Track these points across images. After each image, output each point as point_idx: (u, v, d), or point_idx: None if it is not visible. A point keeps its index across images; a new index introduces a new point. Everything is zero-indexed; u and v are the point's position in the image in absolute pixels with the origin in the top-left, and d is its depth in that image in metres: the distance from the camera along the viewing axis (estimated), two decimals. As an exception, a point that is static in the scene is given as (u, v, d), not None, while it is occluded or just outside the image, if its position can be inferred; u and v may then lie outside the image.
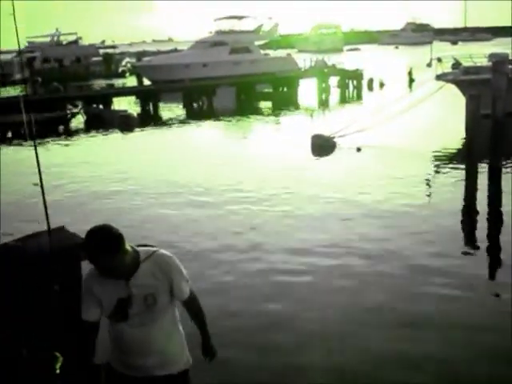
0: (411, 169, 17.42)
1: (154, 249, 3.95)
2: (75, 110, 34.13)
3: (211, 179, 17.06)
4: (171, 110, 37.35)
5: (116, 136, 27.57)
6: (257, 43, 55.49)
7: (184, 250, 10.83)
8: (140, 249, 3.91)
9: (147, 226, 12.78)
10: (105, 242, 3.64)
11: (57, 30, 75.94)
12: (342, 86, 43.53)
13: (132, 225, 12.38)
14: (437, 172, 17.66)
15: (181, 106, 37.97)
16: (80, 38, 76.05)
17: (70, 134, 29.50)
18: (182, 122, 32.64)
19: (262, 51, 55.46)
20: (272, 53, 57.70)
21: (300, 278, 9.82)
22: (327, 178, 16.74)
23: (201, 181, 16.90)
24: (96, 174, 18.61)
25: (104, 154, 23.17)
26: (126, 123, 29.31)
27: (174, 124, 31.64)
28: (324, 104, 37.90)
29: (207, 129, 29.88)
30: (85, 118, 33.47)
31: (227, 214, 13.69)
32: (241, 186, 16.11)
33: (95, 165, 20.34)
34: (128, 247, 3.78)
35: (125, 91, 41.42)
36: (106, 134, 27.95)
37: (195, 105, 38.43)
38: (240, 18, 57.44)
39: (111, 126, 29.20)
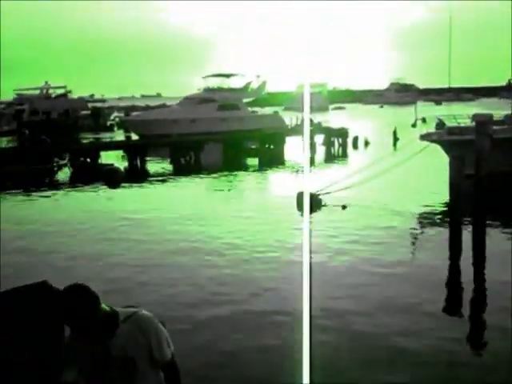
0: (396, 228, 17.50)
1: (135, 309, 3.86)
2: (62, 163, 34.15)
3: (196, 236, 17.02)
4: (158, 164, 37.49)
5: (101, 191, 27.51)
6: (245, 100, 56.28)
7: (166, 310, 10.70)
8: (120, 309, 3.83)
9: (128, 284, 12.65)
10: (78, 300, 3.59)
11: (46, 82, 76.72)
12: (328, 144, 44.02)
13: (112, 283, 12.26)
14: (422, 232, 17.75)
15: (168, 161, 38.14)
16: (69, 92, 76.80)
17: (55, 186, 29.44)
18: (169, 177, 32.72)
19: (250, 108, 56.21)
20: (260, 110, 58.48)
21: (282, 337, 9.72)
22: (312, 236, 16.75)
23: (186, 237, 16.85)
24: (79, 228, 18.52)
25: (88, 209, 23.06)
26: (112, 177, 29.33)
27: (160, 179, 31.69)
28: (310, 161, 38.23)
29: (194, 184, 29.93)
30: (71, 170, 33.48)
31: (208, 270, 13.62)
32: (222, 242, 16.07)
33: (79, 220, 20.24)
34: (105, 307, 3.71)
35: (112, 145, 41.61)
36: (91, 188, 27.91)
37: (182, 160, 38.61)
38: (228, 75, 58.41)
39: (97, 180, 29.19)
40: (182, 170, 35.53)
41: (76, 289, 3.65)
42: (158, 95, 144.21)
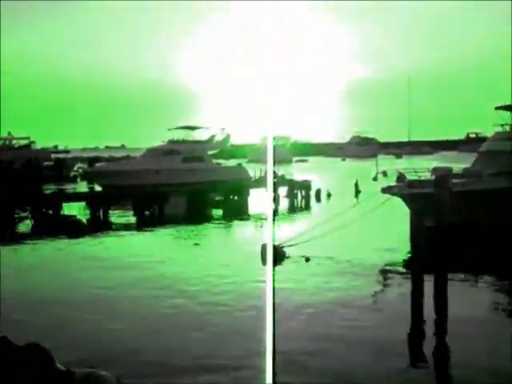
0: (358, 279, 17.66)
1: (92, 370, 3.77)
2: (23, 214, 33.70)
3: (160, 284, 16.90)
4: (122, 216, 37.26)
5: (62, 242, 27.14)
6: (209, 152, 56.63)
7: (123, 369, 10.52)
8: (76, 370, 3.73)
9: (85, 342, 12.44)
10: (32, 359, 3.55)
11: (9, 133, 76.18)
12: (291, 196, 44.42)
13: (68, 341, 12.04)
14: (384, 284, 17.94)
15: (132, 213, 37.93)
16: (33, 142, 76.31)
17: (16, 238, 28.97)
18: (132, 228, 32.51)
19: (215, 160, 56.54)
20: (224, 162, 58.84)
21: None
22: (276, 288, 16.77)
23: (147, 287, 16.72)
24: (39, 281, 18.24)
25: (48, 263, 22.71)
26: (74, 229, 29.03)
27: (124, 231, 31.47)
28: (274, 213, 38.48)
29: (157, 236, 29.80)
30: (33, 222, 33.05)
31: (165, 324, 13.51)
32: (184, 295, 16.00)
33: (36, 272, 19.93)
34: (60, 367, 3.65)
35: (75, 196, 41.27)
36: (53, 240, 27.53)
37: (146, 212, 38.46)
38: (193, 128, 58.82)
39: (59, 232, 28.83)
40: (146, 221, 35.34)
41: (31, 348, 3.62)
42: (122, 146, 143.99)
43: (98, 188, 50.03)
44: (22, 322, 13.26)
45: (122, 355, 11.34)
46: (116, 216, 37.31)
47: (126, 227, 32.81)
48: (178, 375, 10.44)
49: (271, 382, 4.30)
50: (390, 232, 26.37)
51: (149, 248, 25.83)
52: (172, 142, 56.77)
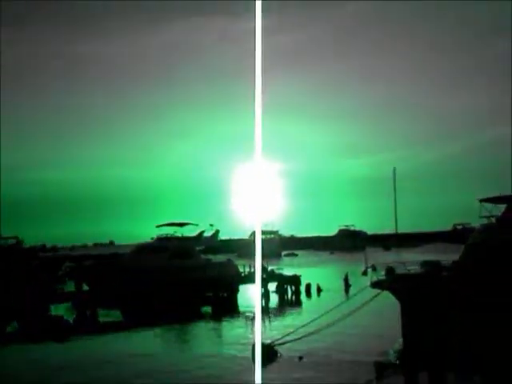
0: (353, 377, 17.34)
1: None
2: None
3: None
4: (109, 315, 36.68)
5: (49, 345, 26.48)
6: (198, 248, 56.60)
7: None
8: None
9: None
10: None
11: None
12: (281, 291, 44.09)
13: None
14: (378, 379, 17.62)
15: (119, 312, 37.41)
16: (21, 242, 75.94)
17: (1, 341, 28.32)
18: (120, 329, 31.92)
19: (204, 256, 56.40)
20: (213, 257, 58.69)
21: None
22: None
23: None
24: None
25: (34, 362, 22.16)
26: (60, 331, 28.47)
27: (111, 331, 30.88)
28: (264, 309, 38.10)
29: (145, 338, 29.15)
30: (19, 323, 32.40)
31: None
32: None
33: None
34: None
35: (62, 297, 40.65)
36: (39, 343, 26.85)
37: (133, 310, 37.92)
38: (181, 224, 59.01)
39: (46, 334, 28.20)
40: (134, 320, 34.78)
41: None
42: (111, 243, 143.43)
43: (85, 287, 49.46)
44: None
45: None
46: (104, 315, 36.74)
47: (114, 327, 32.27)
48: None
49: None
50: (382, 327, 26.11)
51: (136, 351, 25.25)
52: (160, 238, 56.76)
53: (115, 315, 36.77)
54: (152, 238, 58.62)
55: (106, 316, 36.60)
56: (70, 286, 54.37)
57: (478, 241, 30.28)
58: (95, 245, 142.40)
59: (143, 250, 55.46)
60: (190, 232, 60.22)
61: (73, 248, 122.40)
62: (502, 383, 17.08)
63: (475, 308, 24.00)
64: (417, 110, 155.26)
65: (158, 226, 59.16)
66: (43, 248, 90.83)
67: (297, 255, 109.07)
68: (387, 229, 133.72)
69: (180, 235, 58.86)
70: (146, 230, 62.65)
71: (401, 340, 21.49)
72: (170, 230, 58.96)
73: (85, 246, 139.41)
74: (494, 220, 32.08)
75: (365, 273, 28.38)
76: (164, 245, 55.46)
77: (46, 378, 19.21)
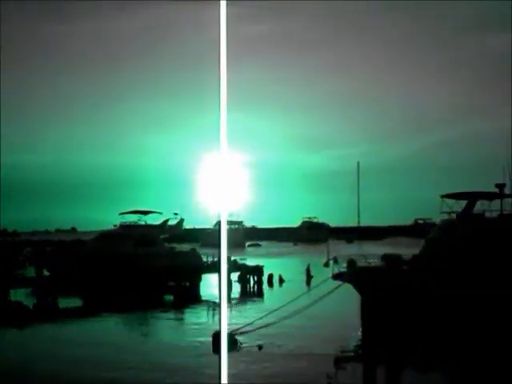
0: (309, 368, 17.52)
1: None
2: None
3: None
4: (70, 302, 36.35)
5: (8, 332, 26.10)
6: (162, 236, 56.32)
7: None
8: None
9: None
10: None
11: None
12: (243, 281, 44.24)
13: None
14: (336, 372, 17.84)
15: (80, 298, 37.12)
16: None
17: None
18: (81, 315, 31.67)
19: (168, 244, 56.17)
20: (177, 246, 58.48)
21: None
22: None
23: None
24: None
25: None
26: (19, 318, 28.12)
27: (71, 318, 30.63)
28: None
29: (106, 324, 29.06)
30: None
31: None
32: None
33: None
34: None
35: (22, 282, 40.17)
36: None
37: (95, 297, 37.67)
38: (145, 212, 58.65)
39: (4, 320, 27.81)
40: (95, 308, 34.55)
41: None
42: (73, 230, 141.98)
43: (46, 273, 48.90)
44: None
45: None
46: (64, 302, 36.37)
47: (74, 314, 32.01)
48: None
49: None
50: (341, 318, 26.42)
51: (94, 339, 25.07)
52: (124, 225, 56.36)
53: (76, 302, 36.46)
54: (115, 226, 58.16)
55: (67, 303, 36.25)
56: (31, 272, 53.73)
57: (439, 236, 30.85)
58: (57, 231, 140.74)
59: (106, 236, 55.00)
60: (154, 220, 59.90)
61: (34, 233, 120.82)
62: (461, 378, 17.46)
63: (434, 301, 24.48)
64: (384, 104, 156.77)
65: (121, 214, 58.69)
66: (4, 232, 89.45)
67: (260, 246, 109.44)
68: (350, 222, 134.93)
69: (144, 223, 58.52)
70: (109, 218, 62.13)
71: (360, 332, 21.80)
72: (133, 218, 58.56)
73: (47, 232, 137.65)
74: (454, 216, 32.68)
75: (326, 264, 28.57)
76: (128, 232, 55.08)
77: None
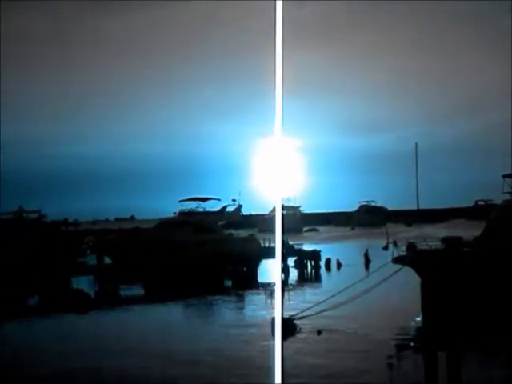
0: (371, 353, 17.31)
1: None
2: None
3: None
4: (131, 289, 36.95)
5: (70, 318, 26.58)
6: (220, 223, 56.70)
7: None
8: None
9: None
10: None
11: (20, 207, 76.45)
12: (301, 266, 44.11)
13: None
14: (398, 358, 17.57)
15: (141, 286, 37.68)
16: (43, 216, 76.49)
17: (24, 314, 28.63)
18: (142, 302, 32.13)
19: (226, 231, 56.50)
20: (234, 233, 58.78)
21: None
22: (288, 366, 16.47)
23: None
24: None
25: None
26: (81, 304, 28.74)
27: (133, 305, 31.11)
28: (283, 284, 38.16)
29: (168, 309, 29.39)
30: (40, 296, 32.79)
31: None
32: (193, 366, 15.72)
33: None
34: None
35: (84, 269, 41.09)
36: (60, 316, 27.03)
37: (156, 284, 38.15)
38: (204, 199, 59.07)
39: (66, 307, 28.44)
40: (156, 294, 35.00)
41: None
42: (132, 218, 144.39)
43: (107, 261, 49.87)
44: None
45: None
46: (125, 289, 37.04)
47: (136, 301, 32.52)
48: None
49: None
50: (402, 303, 26.00)
51: (158, 325, 25.41)
52: (183, 213, 56.89)
53: (137, 290, 37.04)
54: (174, 213, 58.73)
55: (128, 290, 36.87)
56: (92, 260, 54.92)
57: (500, 216, 29.97)
58: (117, 220, 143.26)
59: (166, 224, 55.65)
60: (213, 207, 60.25)
61: (94, 222, 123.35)
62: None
63: (497, 284, 23.81)
64: (443, 84, 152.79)
65: (180, 201, 59.24)
66: (65, 222, 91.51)
67: (318, 231, 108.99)
68: (408, 205, 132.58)
69: (202, 210, 58.92)
70: (168, 206, 62.72)
71: (421, 316, 21.40)
72: (192, 205, 59.00)
73: (106, 221, 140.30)
74: (516, 196, 31.67)
75: (386, 248, 28.14)
76: (187, 219, 55.54)
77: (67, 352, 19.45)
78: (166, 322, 25.71)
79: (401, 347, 18.93)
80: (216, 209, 59.21)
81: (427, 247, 28.45)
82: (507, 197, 32.33)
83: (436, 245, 28.41)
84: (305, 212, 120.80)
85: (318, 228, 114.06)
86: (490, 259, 25.44)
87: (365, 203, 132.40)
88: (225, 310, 28.82)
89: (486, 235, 29.56)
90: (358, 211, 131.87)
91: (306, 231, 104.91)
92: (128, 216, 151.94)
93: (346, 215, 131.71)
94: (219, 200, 59.95)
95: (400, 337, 20.21)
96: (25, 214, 76.69)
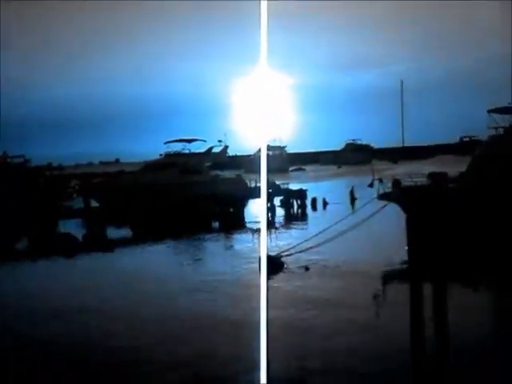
0: (357, 287, 17.59)
1: None
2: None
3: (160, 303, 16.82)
4: (118, 231, 37.06)
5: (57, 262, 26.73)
6: (206, 164, 56.52)
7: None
8: None
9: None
10: None
11: (4, 152, 75.76)
12: (287, 205, 44.32)
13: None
14: (383, 291, 17.87)
15: (128, 227, 37.77)
16: (27, 161, 75.93)
17: (12, 257, 28.77)
18: (129, 244, 32.30)
19: (212, 172, 56.40)
20: (221, 174, 58.69)
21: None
22: (273, 301, 16.72)
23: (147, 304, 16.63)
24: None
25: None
26: (68, 247, 28.84)
27: (120, 247, 31.27)
28: (270, 223, 38.40)
29: (155, 251, 29.58)
30: (28, 240, 32.86)
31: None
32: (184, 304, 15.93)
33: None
34: None
35: (71, 213, 41.03)
36: (47, 259, 27.15)
37: (143, 226, 38.27)
38: (190, 140, 58.69)
39: (53, 250, 28.53)
40: (143, 236, 35.15)
41: None
42: (117, 161, 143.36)
43: (94, 204, 49.80)
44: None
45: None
46: (113, 231, 37.13)
47: (124, 243, 32.68)
48: None
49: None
50: (388, 238, 26.32)
51: (147, 263, 25.68)
52: (169, 155, 56.59)
53: (124, 231, 37.16)
54: (160, 155, 58.36)
55: (115, 232, 36.98)
56: (79, 203, 54.74)
57: (485, 152, 30.08)
58: (101, 163, 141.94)
59: (152, 166, 55.39)
60: (199, 148, 59.88)
61: (77, 166, 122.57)
62: (507, 294, 17.29)
63: (482, 219, 24.10)
64: (429, 21, 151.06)
65: (166, 143, 58.78)
66: (49, 167, 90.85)
67: (304, 170, 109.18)
68: (394, 143, 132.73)
69: (188, 151, 58.58)
70: (154, 148, 62.32)
71: (406, 250, 21.70)
72: (178, 147, 58.58)
73: (90, 164, 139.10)
74: (501, 131, 31.72)
75: (371, 185, 28.26)
76: (173, 161, 55.23)
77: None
78: (155, 262, 25.91)
79: (387, 278, 19.25)
80: (202, 150, 58.94)
81: (412, 183, 28.61)
82: (492, 132, 32.38)
83: (421, 181, 28.57)
84: (291, 152, 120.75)
85: (304, 167, 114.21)
86: (474, 195, 25.66)
87: (351, 142, 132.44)
88: (213, 250, 29.04)
89: (471, 171, 29.74)
90: (344, 150, 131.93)
91: (292, 171, 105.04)
92: (113, 159, 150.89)
93: (332, 154, 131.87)
94: (205, 141, 59.57)
95: (386, 268, 20.52)
96: (9, 160, 76.13)
